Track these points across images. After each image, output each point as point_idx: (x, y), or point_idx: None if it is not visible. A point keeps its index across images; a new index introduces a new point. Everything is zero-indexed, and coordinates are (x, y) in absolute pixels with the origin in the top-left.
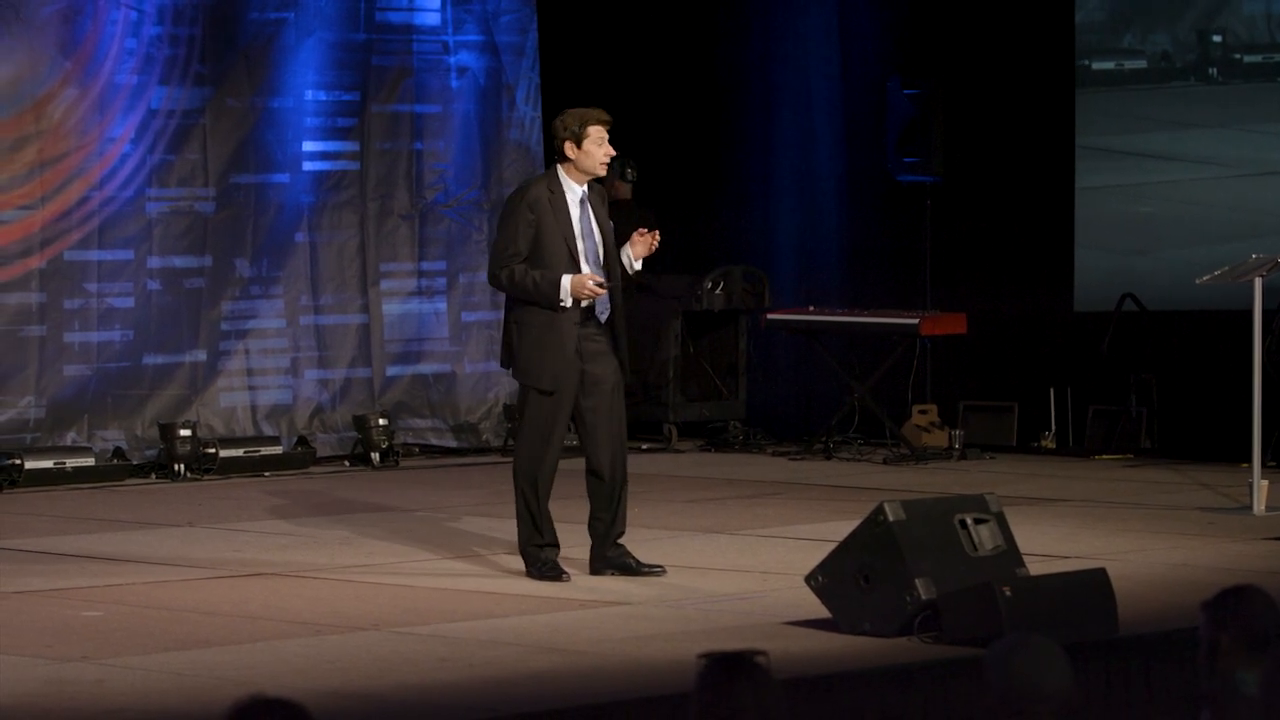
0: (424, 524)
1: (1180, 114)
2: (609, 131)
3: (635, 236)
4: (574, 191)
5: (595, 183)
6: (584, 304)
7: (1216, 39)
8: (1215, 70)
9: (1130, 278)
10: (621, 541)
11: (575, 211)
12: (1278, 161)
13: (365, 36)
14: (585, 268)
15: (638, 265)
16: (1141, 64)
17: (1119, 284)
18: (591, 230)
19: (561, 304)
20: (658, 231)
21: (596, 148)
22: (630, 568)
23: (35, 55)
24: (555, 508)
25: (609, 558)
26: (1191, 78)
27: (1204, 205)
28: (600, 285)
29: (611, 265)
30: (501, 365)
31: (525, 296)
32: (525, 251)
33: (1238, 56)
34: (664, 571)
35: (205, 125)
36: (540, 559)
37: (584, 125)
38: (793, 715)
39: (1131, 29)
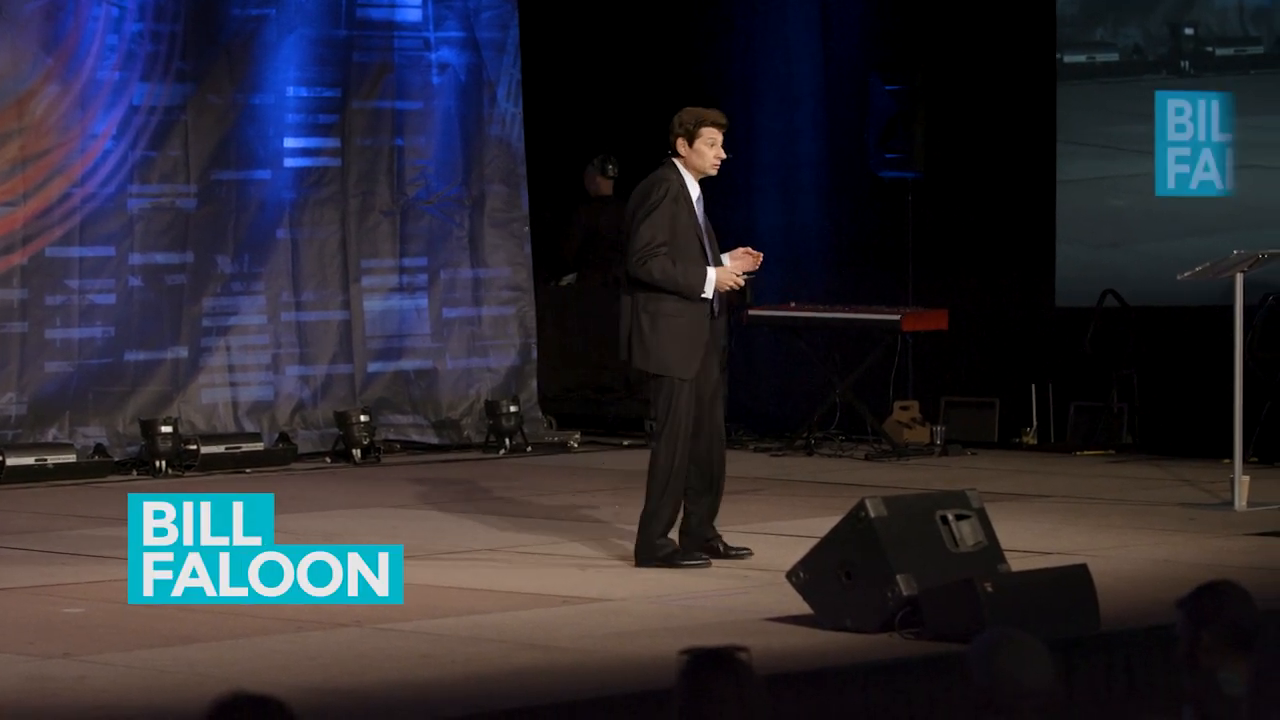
0: (405, 520)
1: (1139, 109)
2: (723, 134)
3: (740, 252)
4: (693, 188)
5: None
6: (706, 295)
7: (1189, 32)
8: (1187, 63)
9: (1110, 272)
10: (715, 526)
11: (698, 208)
12: (1251, 154)
13: (346, 33)
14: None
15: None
16: (1114, 57)
17: (1100, 279)
18: (707, 226)
19: (704, 296)
20: (761, 255)
21: (708, 148)
22: (718, 551)
23: (17, 52)
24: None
25: (705, 540)
26: (1164, 71)
27: (1178, 199)
28: (740, 276)
29: (718, 262)
30: (621, 358)
31: (671, 287)
32: (668, 240)
33: (1210, 49)
34: (750, 554)
35: (187, 122)
36: (669, 549)
37: (699, 125)
38: (774, 711)
39: (1103, 22)
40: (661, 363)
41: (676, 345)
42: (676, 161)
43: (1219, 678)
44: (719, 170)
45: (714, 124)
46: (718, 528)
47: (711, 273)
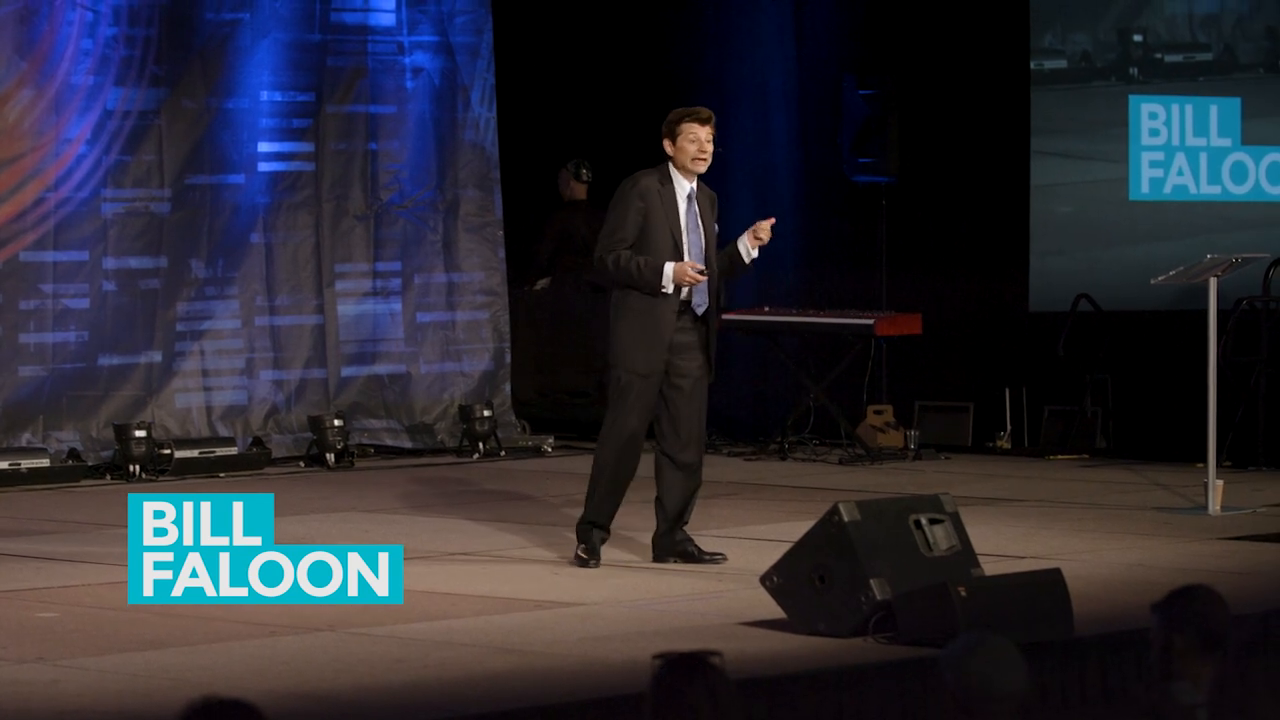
0: (378, 525)
1: (1101, 114)
2: (708, 129)
3: (756, 224)
4: (682, 186)
5: (706, 185)
6: (683, 295)
7: (1137, 39)
8: (1136, 70)
9: (1084, 277)
10: (686, 530)
11: (682, 205)
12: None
13: (320, 37)
14: (688, 260)
15: (754, 253)
16: (1061, 64)
17: (1073, 283)
18: (697, 226)
19: (663, 289)
20: (772, 219)
21: (689, 144)
22: (692, 555)
23: None
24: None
25: (673, 544)
26: (1112, 78)
27: (1152, 204)
28: (701, 273)
29: (711, 264)
30: None
31: (628, 281)
32: (632, 238)
33: (1159, 56)
34: (725, 559)
35: (161, 126)
36: (587, 539)
37: (679, 122)
38: (747, 716)
39: (1051, 29)
40: (614, 353)
41: (631, 339)
42: (670, 162)
43: (1173, 687)
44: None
45: (693, 120)
46: (689, 531)
47: (669, 267)
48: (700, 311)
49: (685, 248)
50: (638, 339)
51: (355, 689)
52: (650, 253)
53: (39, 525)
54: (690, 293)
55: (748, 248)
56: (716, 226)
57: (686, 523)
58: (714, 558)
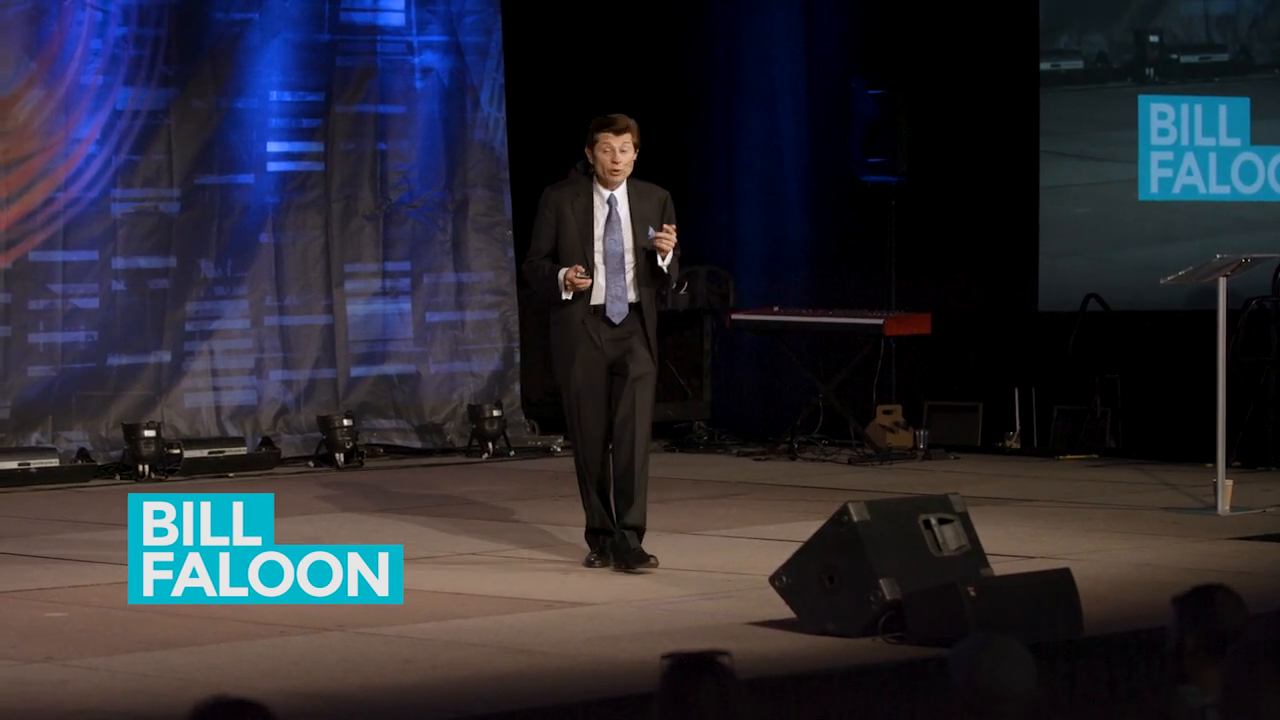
0: (387, 524)
1: (1112, 115)
2: (629, 135)
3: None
4: (600, 194)
5: (651, 186)
6: (596, 300)
7: (1153, 40)
8: (1152, 71)
9: (1093, 277)
10: (630, 533)
11: (599, 213)
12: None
13: (329, 37)
14: (601, 268)
15: (662, 263)
16: (1078, 65)
17: (1083, 283)
18: (619, 233)
19: (564, 297)
20: (669, 229)
21: (604, 155)
22: (623, 561)
23: (0, 56)
24: None
25: (614, 547)
26: (1128, 79)
27: (1161, 204)
28: (580, 278)
29: (640, 269)
30: None
31: (538, 288)
32: (547, 249)
33: (1175, 57)
34: (656, 562)
35: (170, 126)
36: (593, 545)
37: (596, 131)
38: (756, 715)
39: (1068, 29)
40: (553, 364)
41: (554, 349)
42: (592, 169)
43: (1180, 690)
44: (698, 174)
45: (608, 130)
46: (631, 537)
47: (560, 274)
48: (617, 320)
49: (597, 254)
50: (555, 348)
51: (364, 689)
52: (564, 262)
53: (48, 525)
54: (605, 298)
55: (660, 261)
56: (652, 230)
57: (635, 526)
58: (647, 562)
